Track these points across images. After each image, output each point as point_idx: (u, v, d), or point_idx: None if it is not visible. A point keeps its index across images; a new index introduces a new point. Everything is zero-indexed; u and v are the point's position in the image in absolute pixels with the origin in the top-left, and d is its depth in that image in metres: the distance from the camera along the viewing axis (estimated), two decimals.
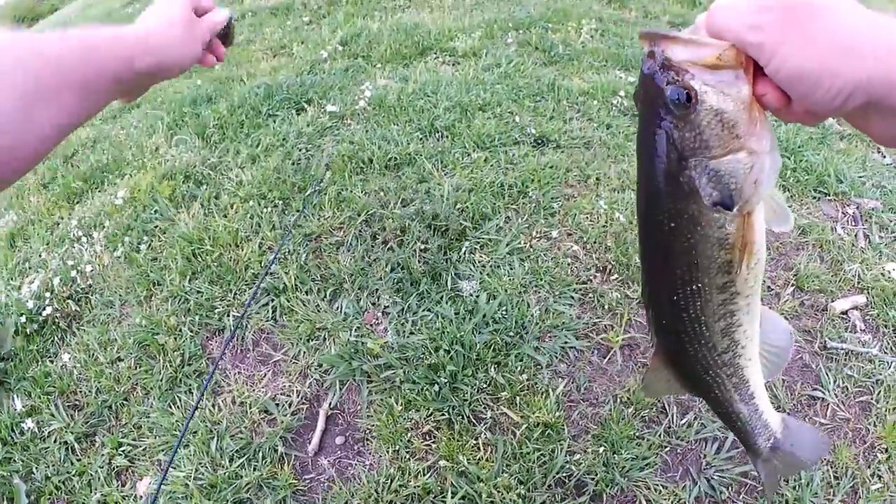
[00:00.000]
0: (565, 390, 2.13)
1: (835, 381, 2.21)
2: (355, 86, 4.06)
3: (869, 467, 2.01)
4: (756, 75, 0.57)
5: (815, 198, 3.05)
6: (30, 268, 3.16)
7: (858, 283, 2.58)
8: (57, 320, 2.73)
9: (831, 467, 2.00)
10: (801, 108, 0.57)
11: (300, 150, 3.38)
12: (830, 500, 1.91)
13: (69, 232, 3.26)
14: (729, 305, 0.70)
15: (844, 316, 2.47)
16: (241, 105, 4.00)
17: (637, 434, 2.02)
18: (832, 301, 2.49)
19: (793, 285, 2.55)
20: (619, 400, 2.12)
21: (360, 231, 2.70)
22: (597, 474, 1.91)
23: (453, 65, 4.35)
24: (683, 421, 2.06)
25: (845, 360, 2.28)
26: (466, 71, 4.12)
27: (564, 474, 1.92)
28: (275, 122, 3.77)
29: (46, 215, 3.59)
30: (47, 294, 2.82)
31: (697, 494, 1.90)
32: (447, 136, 3.31)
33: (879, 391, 2.19)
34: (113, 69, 0.75)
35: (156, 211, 3.15)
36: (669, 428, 2.04)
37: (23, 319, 2.72)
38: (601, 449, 1.97)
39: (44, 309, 2.75)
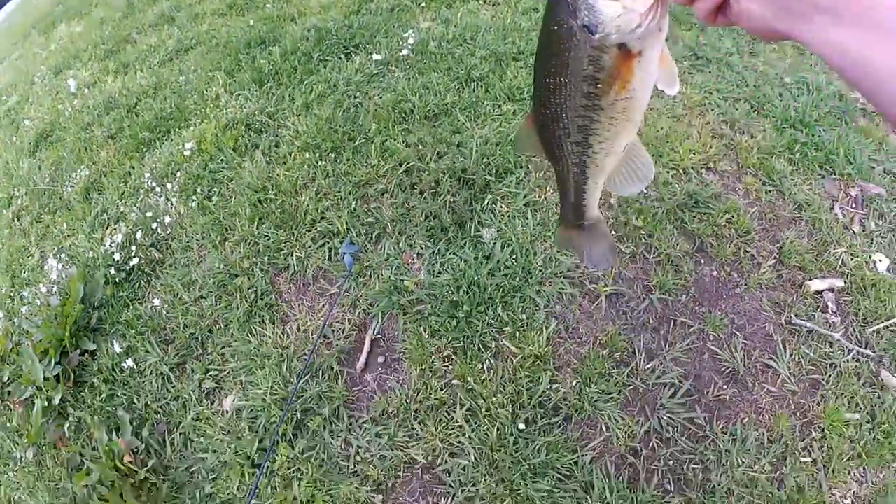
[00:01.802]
0: (556, 329, 2.66)
1: (790, 356, 2.55)
2: (400, 29, 4.61)
3: (802, 440, 2.37)
4: None
5: (820, 175, 3.24)
6: (108, 219, 3.84)
7: (840, 267, 2.83)
8: (143, 267, 3.40)
9: (767, 430, 2.39)
10: None
11: (349, 98, 4.01)
12: (759, 461, 2.32)
13: (143, 183, 3.93)
14: (590, 113, 0.91)
15: (818, 296, 2.73)
16: (293, 51, 4.63)
17: (607, 372, 2.55)
18: (809, 280, 2.76)
19: (775, 258, 2.86)
20: (598, 342, 2.63)
21: (400, 181, 3.34)
22: (570, 401, 2.48)
23: (493, 5, 4.78)
24: (648, 366, 2.56)
25: (806, 338, 2.60)
26: (504, 15, 4.56)
27: (545, 398, 2.51)
28: (325, 67, 4.39)
29: (118, 166, 4.26)
30: (132, 246, 3.47)
31: (647, 429, 2.41)
32: (481, 87, 3.84)
33: (831, 374, 2.51)
34: None
35: (222, 160, 3.84)
36: (635, 371, 2.55)
37: (111, 270, 3.36)
38: (576, 381, 2.53)
39: (131, 259, 3.41)
